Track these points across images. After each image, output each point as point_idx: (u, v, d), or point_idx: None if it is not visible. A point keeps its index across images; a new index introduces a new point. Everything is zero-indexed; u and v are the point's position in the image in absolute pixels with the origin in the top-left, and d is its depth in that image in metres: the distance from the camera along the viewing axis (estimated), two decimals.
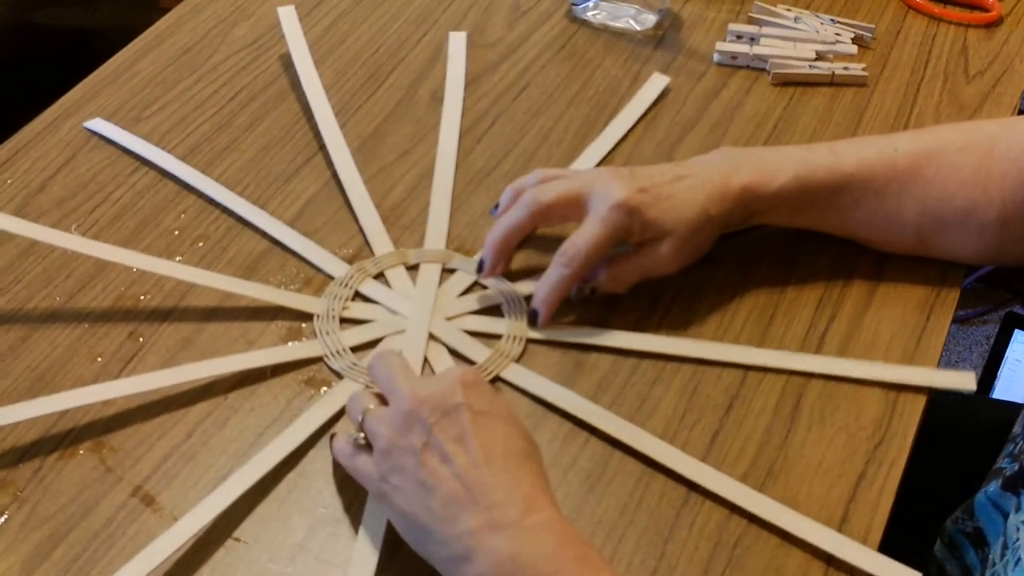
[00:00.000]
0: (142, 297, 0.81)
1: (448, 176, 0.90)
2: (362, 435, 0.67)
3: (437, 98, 0.97)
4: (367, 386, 0.75)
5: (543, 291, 0.79)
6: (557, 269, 0.78)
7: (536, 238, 0.84)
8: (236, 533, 0.69)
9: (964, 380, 0.78)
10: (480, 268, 0.81)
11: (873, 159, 0.81)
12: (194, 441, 0.73)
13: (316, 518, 0.70)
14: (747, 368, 0.78)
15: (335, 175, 0.90)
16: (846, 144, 0.84)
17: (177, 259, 0.84)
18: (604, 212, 0.77)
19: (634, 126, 0.95)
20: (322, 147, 0.92)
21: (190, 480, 0.71)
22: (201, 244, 0.85)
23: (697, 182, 0.79)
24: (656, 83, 0.99)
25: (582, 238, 0.78)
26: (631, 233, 0.78)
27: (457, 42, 1.02)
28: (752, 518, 0.70)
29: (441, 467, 0.62)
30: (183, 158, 0.91)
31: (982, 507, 0.78)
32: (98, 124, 0.93)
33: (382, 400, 0.69)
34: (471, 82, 0.99)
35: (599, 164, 0.92)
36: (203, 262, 0.84)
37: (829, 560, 0.68)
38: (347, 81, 0.99)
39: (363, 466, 0.67)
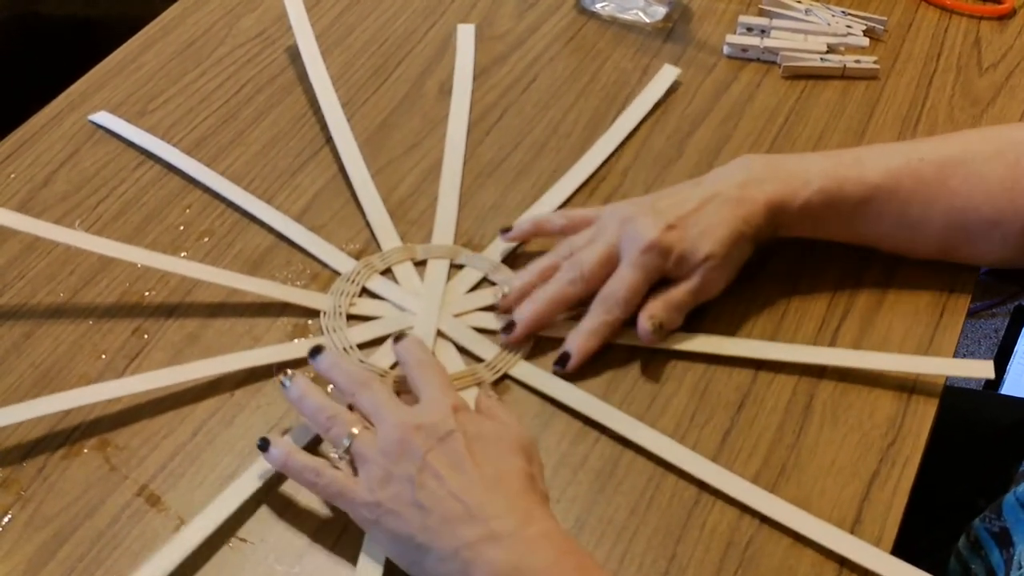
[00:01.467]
0: (146, 293, 0.80)
1: (457, 169, 0.89)
2: (346, 458, 0.66)
3: (445, 91, 0.96)
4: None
5: (580, 338, 0.76)
6: (598, 316, 0.77)
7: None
8: (242, 533, 0.68)
9: (982, 369, 0.77)
10: (508, 329, 0.78)
11: (898, 169, 0.79)
12: (200, 440, 0.73)
13: (323, 518, 0.69)
14: (760, 363, 0.77)
15: (342, 169, 0.89)
16: (871, 152, 0.83)
17: (182, 255, 0.83)
18: (636, 257, 0.76)
19: (645, 119, 0.94)
20: (329, 140, 0.91)
21: (196, 479, 0.71)
22: (206, 239, 0.84)
23: (722, 202, 0.78)
24: (667, 74, 0.98)
25: (619, 284, 0.76)
26: (666, 271, 0.77)
27: (466, 34, 1.01)
28: (764, 519, 0.69)
29: (438, 488, 0.63)
30: (188, 152, 0.90)
31: (1010, 507, 0.77)
32: (103, 117, 0.92)
33: (358, 414, 0.69)
34: (479, 74, 0.98)
35: (610, 157, 0.91)
36: (208, 258, 0.83)
37: (842, 561, 0.67)
38: (354, 74, 0.98)
39: (349, 488, 0.65)
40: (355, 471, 0.66)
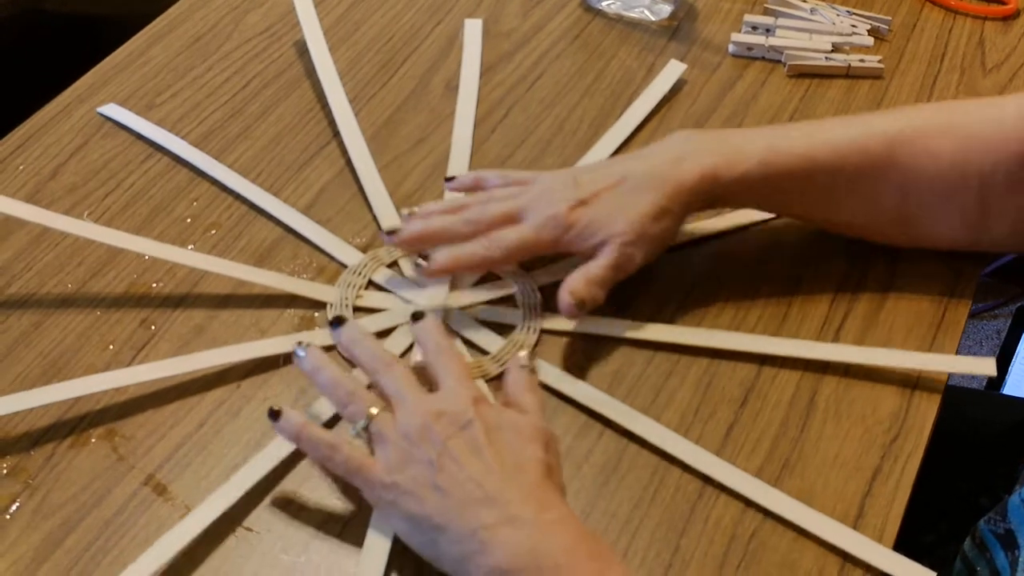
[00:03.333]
0: (154, 284, 0.81)
1: (463, 165, 0.90)
2: (366, 434, 0.67)
3: (451, 87, 0.97)
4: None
5: (451, 253, 0.78)
6: (477, 245, 0.78)
7: None
8: (247, 522, 0.69)
9: (983, 366, 0.78)
10: (390, 235, 0.80)
11: (844, 145, 0.79)
12: (207, 430, 0.73)
13: (330, 508, 0.69)
14: (764, 359, 0.78)
15: (349, 163, 0.89)
16: (819, 126, 0.82)
17: (190, 247, 0.83)
18: (538, 220, 0.77)
19: (650, 117, 0.95)
20: (336, 135, 0.92)
21: (202, 470, 0.71)
22: (214, 232, 0.84)
23: (643, 180, 0.78)
24: (673, 69, 0.98)
25: (512, 232, 0.78)
26: (566, 244, 0.78)
27: (473, 29, 1.02)
28: (767, 513, 0.70)
29: (458, 472, 0.63)
30: (196, 146, 0.90)
31: (1015, 509, 0.77)
32: (111, 109, 0.93)
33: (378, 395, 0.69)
34: (485, 71, 0.99)
35: (614, 153, 0.91)
36: (215, 250, 0.83)
37: (846, 555, 0.68)
38: (360, 69, 0.98)
39: (366, 465, 0.66)
40: (371, 450, 0.67)
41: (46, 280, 0.81)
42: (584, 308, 0.76)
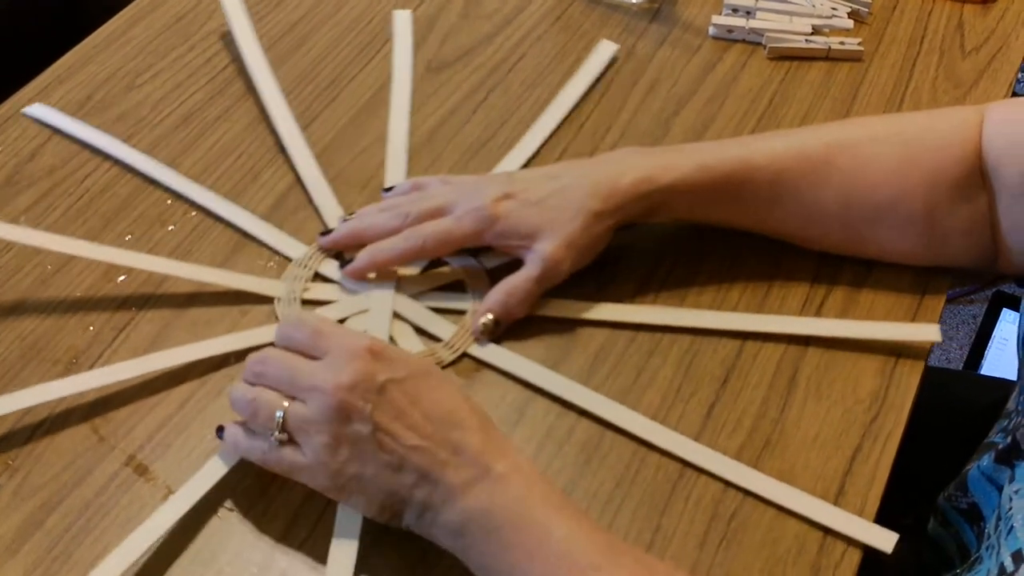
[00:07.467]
0: (121, 278, 0.81)
1: (400, 166, 0.88)
2: (284, 435, 0.64)
3: (431, 68, 0.97)
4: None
5: (375, 250, 0.78)
6: (400, 239, 0.78)
7: None
8: (229, 503, 0.69)
9: (928, 332, 0.79)
10: (342, 263, 0.80)
11: (782, 151, 0.79)
12: (188, 411, 0.73)
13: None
14: (745, 336, 0.78)
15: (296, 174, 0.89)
16: (757, 138, 0.82)
17: (170, 228, 0.83)
18: (461, 212, 0.78)
19: (628, 100, 0.95)
20: (315, 119, 0.92)
21: (184, 450, 0.71)
22: (194, 213, 0.84)
23: (575, 181, 0.77)
24: (604, 50, 0.99)
25: (434, 225, 0.78)
26: (489, 241, 0.78)
27: (403, 21, 1.01)
28: (747, 492, 0.70)
29: (398, 446, 0.63)
30: (176, 126, 0.90)
31: (976, 482, 0.78)
32: (39, 110, 0.91)
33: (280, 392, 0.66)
34: (467, 53, 0.99)
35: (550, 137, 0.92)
36: (196, 231, 0.83)
37: (826, 531, 0.68)
38: (340, 51, 0.98)
39: (300, 461, 0.64)
40: (297, 445, 0.65)
41: (24, 263, 0.81)
42: (493, 332, 0.77)
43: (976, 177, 0.78)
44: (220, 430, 0.68)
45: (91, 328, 0.77)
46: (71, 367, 0.75)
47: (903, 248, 0.81)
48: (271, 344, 0.69)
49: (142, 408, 0.73)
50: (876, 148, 0.79)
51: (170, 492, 0.69)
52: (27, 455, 0.70)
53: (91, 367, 0.75)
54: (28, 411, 0.72)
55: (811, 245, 0.83)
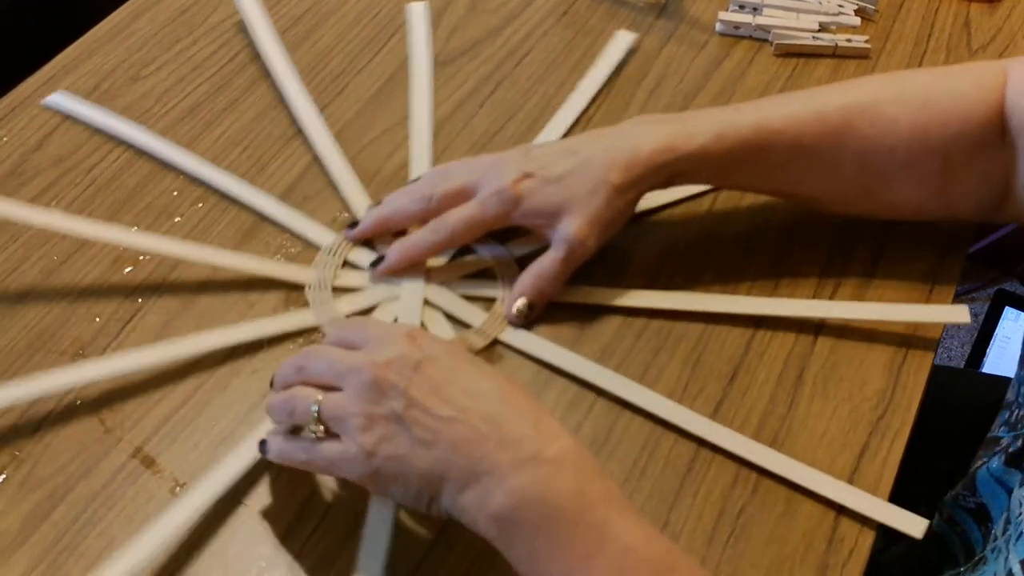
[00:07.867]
0: (141, 257, 0.80)
1: (425, 156, 0.88)
2: (321, 428, 0.63)
3: (439, 62, 0.96)
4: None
5: (401, 247, 0.79)
6: (425, 232, 0.78)
7: None
8: (237, 496, 0.68)
9: (956, 313, 0.79)
10: (373, 262, 0.80)
11: (801, 115, 0.78)
12: (195, 402, 0.73)
13: (323, 480, 0.69)
14: (756, 325, 0.78)
15: (316, 157, 0.89)
16: (772, 101, 0.82)
17: (176, 219, 0.83)
18: (483, 196, 0.78)
19: (635, 96, 0.95)
20: (322, 110, 0.91)
21: (190, 442, 0.71)
22: (200, 205, 0.84)
23: (594, 155, 0.77)
24: (622, 40, 0.98)
25: (456, 214, 0.78)
26: (515, 220, 0.78)
27: (418, 14, 1.00)
28: (756, 488, 0.70)
29: (431, 419, 0.61)
30: (182, 118, 0.90)
31: (984, 483, 0.78)
32: (59, 99, 0.91)
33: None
34: (474, 46, 0.98)
35: (570, 129, 0.91)
36: (203, 223, 0.83)
37: (836, 521, 0.68)
38: (348, 43, 0.98)
39: (338, 452, 0.63)
40: (336, 438, 0.64)
41: (31, 252, 0.81)
42: (528, 316, 0.77)
43: (996, 136, 0.78)
44: (263, 443, 0.67)
45: (97, 319, 0.77)
46: (77, 358, 0.74)
47: (915, 203, 0.81)
48: (281, 335, 0.69)
49: (149, 400, 0.73)
50: (895, 110, 0.78)
51: (177, 484, 0.69)
52: (33, 446, 0.70)
53: (97, 358, 0.74)
54: (35, 402, 0.72)
55: (823, 207, 0.83)
